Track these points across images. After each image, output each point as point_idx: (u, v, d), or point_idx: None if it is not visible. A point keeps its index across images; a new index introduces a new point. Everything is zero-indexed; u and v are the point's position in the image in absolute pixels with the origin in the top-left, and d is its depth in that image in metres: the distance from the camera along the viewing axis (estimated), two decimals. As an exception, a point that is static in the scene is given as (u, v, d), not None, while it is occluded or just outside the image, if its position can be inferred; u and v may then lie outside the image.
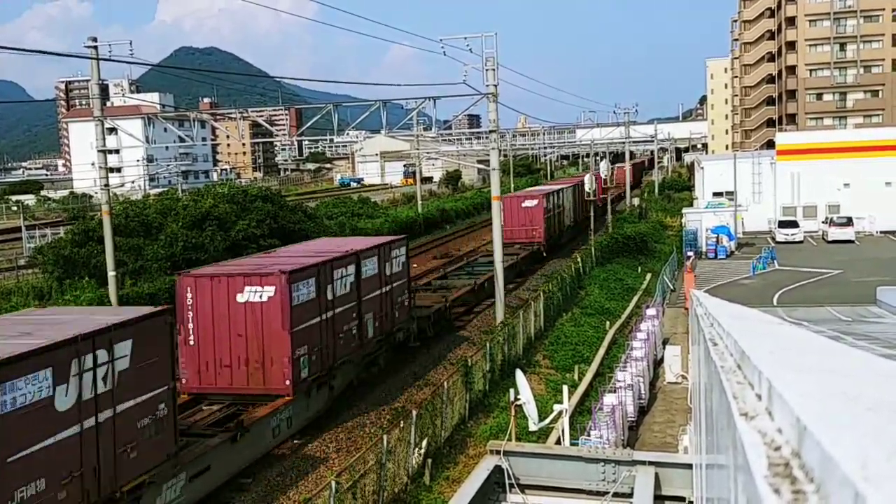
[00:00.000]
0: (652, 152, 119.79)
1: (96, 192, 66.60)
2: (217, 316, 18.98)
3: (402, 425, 17.40)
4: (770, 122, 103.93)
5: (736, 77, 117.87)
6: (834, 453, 1.29)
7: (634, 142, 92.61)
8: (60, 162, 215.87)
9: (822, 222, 56.45)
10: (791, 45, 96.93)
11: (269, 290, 18.77)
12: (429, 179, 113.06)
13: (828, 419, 1.57)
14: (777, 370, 2.41)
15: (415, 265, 45.45)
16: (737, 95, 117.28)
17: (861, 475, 1.15)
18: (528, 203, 45.24)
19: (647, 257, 49.37)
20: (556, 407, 16.14)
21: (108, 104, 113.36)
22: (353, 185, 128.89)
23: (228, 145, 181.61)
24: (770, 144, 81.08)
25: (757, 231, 57.47)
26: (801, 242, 53.45)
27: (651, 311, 28.98)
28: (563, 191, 52.92)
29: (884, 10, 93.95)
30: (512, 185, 75.86)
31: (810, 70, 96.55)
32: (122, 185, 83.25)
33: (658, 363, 26.63)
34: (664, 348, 26.70)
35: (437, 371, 25.56)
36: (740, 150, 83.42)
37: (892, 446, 1.30)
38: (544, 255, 45.26)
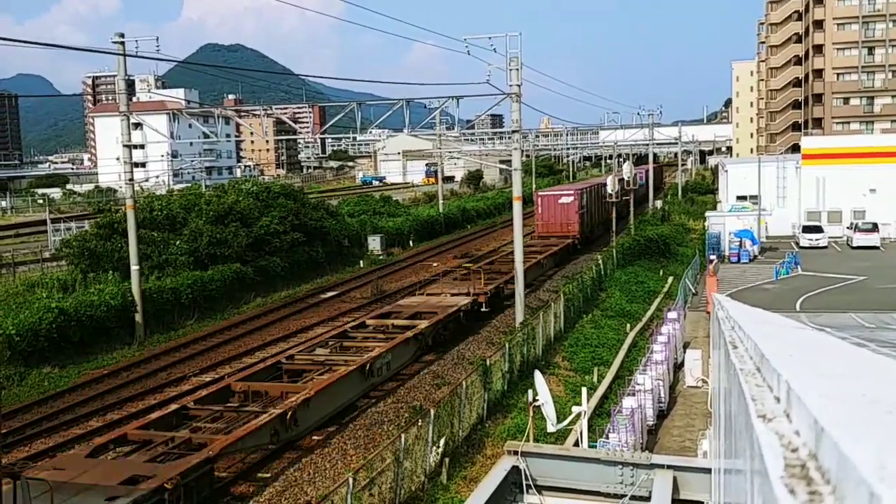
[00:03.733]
0: (675, 154, 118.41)
1: (121, 187, 67.24)
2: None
3: (420, 424, 17.43)
4: (796, 126, 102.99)
5: (762, 80, 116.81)
6: (851, 454, 1.28)
7: (658, 144, 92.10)
8: (86, 156, 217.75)
9: (847, 228, 55.87)
10: (818, 49, 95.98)
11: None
12: (450, 179, 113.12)
13: (846, 421, 1.57)
14: (796, 373, 2.40)
15: (435, 263, 45.80)
16: (762, 98, 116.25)
17: (878, 476, 1.15)
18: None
19: (669, 260, 49.12)
20: (575, 409, 16.12)
21: (134, 100, 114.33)
22: (375, 183, 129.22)
23: (252, 142, 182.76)
24: (795, 148, 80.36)
25: (780, 236, 57.02)
26: (825, 248, 52.94)
27: (672, 315, 28.81)
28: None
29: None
30: (534, 186, 75.68)
31: (837, 74, 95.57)
32: (147, 179, 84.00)
33: (678, 367, 26.49)
34: (685, 352, 26.55)
35: (455, 370, 25.57)
36: (765, 153, 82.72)
37: (911, 449, 1.29)
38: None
